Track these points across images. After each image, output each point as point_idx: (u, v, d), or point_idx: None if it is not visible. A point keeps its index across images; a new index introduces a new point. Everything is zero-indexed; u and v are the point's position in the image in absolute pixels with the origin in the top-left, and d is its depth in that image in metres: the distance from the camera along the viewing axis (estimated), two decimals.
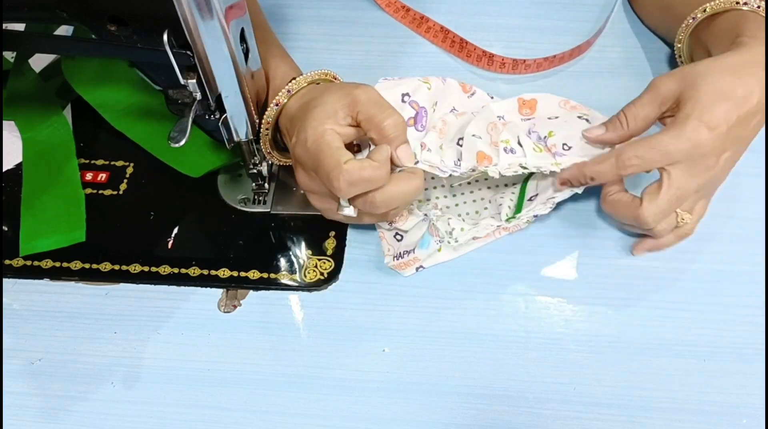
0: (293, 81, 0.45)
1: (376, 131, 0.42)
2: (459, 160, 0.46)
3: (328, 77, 0.47)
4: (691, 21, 0.51)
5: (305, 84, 0.46)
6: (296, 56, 0.52)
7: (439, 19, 0.62)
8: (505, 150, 0.46)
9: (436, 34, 0.61)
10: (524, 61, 0.58)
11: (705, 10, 0.50)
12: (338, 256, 0.50)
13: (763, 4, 0.46)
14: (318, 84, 0.46)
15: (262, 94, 0.46)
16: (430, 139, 0.47)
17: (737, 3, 0.47)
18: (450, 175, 0.46)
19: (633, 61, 0.60)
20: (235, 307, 0.48)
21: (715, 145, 0.42)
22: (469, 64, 0.60)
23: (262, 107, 0.46)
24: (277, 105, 0.45)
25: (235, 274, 0.49)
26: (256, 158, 0.49)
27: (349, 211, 0.43)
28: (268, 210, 0.52)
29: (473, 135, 0.47)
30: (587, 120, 0.48)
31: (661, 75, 0.45)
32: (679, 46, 0.54)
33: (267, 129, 0.46)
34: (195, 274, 0.49)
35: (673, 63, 0.57)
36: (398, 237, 0.50)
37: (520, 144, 0.46)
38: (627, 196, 0.45)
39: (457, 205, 0.51)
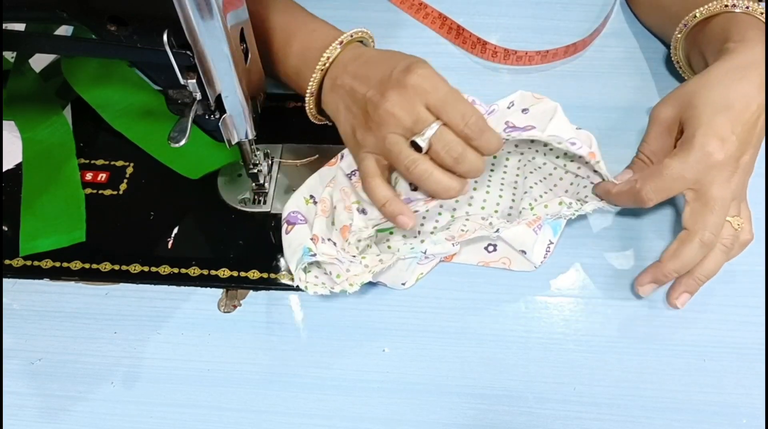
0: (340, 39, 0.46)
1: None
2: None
3: (366, 36, 0.48)
4: (683, 27, 0.52)
5: (350, 38, 0.47)
6: None
7: None
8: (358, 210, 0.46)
9: (434, 20, 0.62)
10: (516, 52, 0.58)
11: (696, 16, 0.50)
12: None
13: (752, 4, 0.46)
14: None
15: (260, 92, 0.46)
16: (318, 227, 0.46)
17: (726, 6, 0.47)
18: (349, 262, 0.46)
19: (632, 60, 0.60)
20: (235, 307, 0.48)
21: (729, 152, 0.42)
22: (465, 50, 0.61)
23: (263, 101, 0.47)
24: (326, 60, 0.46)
25: (235, 274, 0.49)
26: (256, 158, 0.49)
27: (424, 145, 0.41)
28: (268, 210, 0.52)
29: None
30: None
31: (658, 104, 0.46)
32: (675, 52, 0.54)
33: (312, 89, 0.47)
34: (195, 274, 0.49)
35: (670, 63, 0.57)
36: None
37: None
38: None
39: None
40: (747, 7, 0.47)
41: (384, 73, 0.43)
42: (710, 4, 0.48)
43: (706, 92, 0.43)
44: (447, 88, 0.41)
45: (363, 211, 0.46)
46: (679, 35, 0.53)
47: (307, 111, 0.49)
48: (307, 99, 0.48)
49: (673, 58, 0.55)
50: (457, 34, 0.61)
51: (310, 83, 0.47)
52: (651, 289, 0.46)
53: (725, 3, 0.47)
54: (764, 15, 0.46)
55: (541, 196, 0.49)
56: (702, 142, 0.42)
